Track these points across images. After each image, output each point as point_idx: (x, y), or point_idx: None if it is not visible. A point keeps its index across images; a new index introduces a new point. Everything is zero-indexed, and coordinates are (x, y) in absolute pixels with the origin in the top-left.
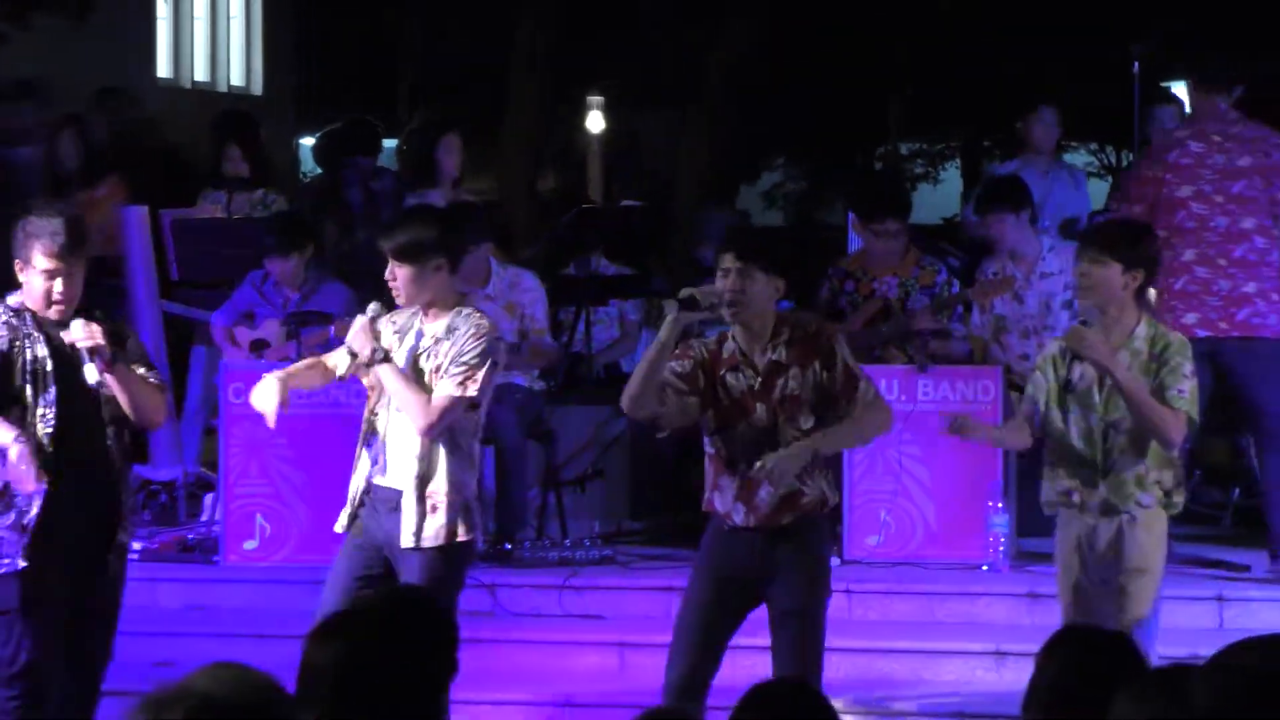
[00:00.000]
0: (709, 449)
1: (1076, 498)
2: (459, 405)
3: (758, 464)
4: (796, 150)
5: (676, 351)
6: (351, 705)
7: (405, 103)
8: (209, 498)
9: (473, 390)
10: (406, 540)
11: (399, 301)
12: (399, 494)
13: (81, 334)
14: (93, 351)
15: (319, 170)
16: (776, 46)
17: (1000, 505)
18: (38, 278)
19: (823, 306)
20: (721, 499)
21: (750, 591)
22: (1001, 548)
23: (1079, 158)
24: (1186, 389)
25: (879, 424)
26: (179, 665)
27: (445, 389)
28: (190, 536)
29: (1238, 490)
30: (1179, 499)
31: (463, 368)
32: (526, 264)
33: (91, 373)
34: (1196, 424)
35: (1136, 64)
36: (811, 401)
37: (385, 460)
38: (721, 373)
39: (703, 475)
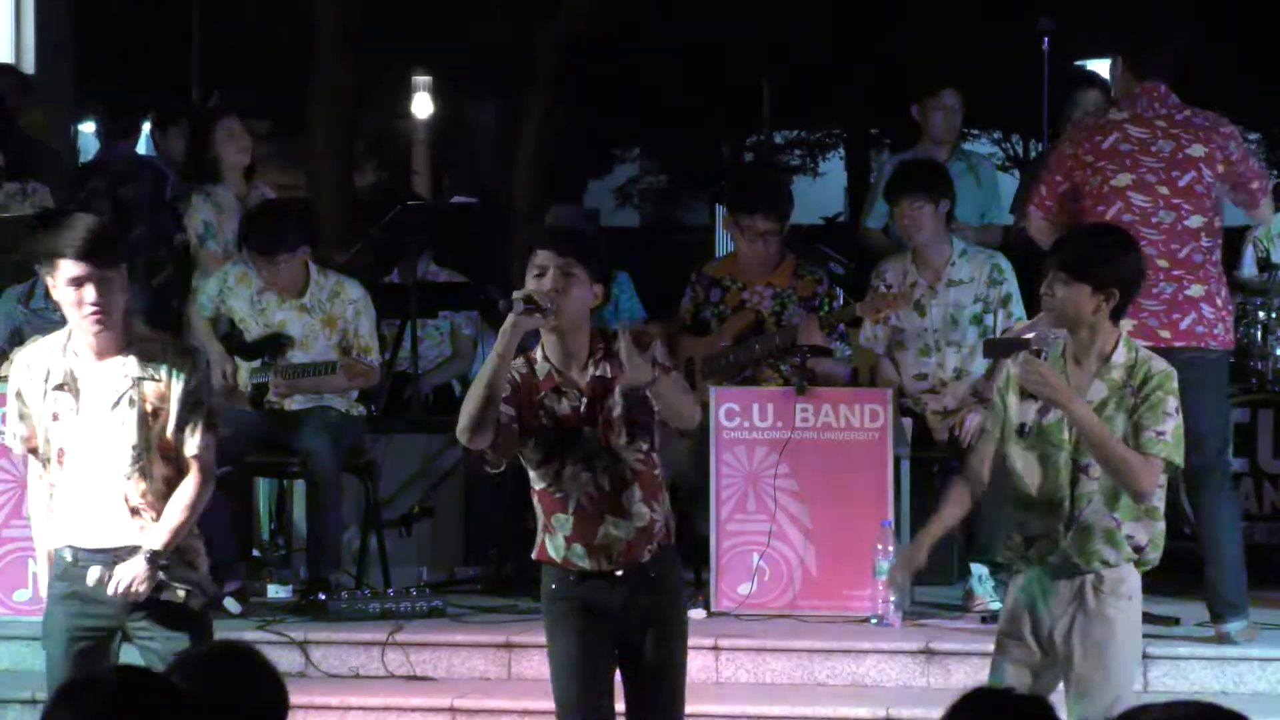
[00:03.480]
0: (536, 484)
1: (1034, 552)
2: None
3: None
4: (655, 140)
5: None
6: None
7: (200, 85)
8: None
9: None
10: None
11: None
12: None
13: None
14: None
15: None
16: (628, 21)
17: (891, 549)
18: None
19: (685, 317)
20: (554, 544)
21: (615, 640)
22: (893, 598)
23: (981, 148)
24: (1169, 431)
25: (694, 410)
26: None
27: None
28: None
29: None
30: (1154, 555)
31: None
32: (341, 270)
33: None
34: (1178, 468)
35: (1046, 41)
36: (644, 420)
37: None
38: (540, 396)
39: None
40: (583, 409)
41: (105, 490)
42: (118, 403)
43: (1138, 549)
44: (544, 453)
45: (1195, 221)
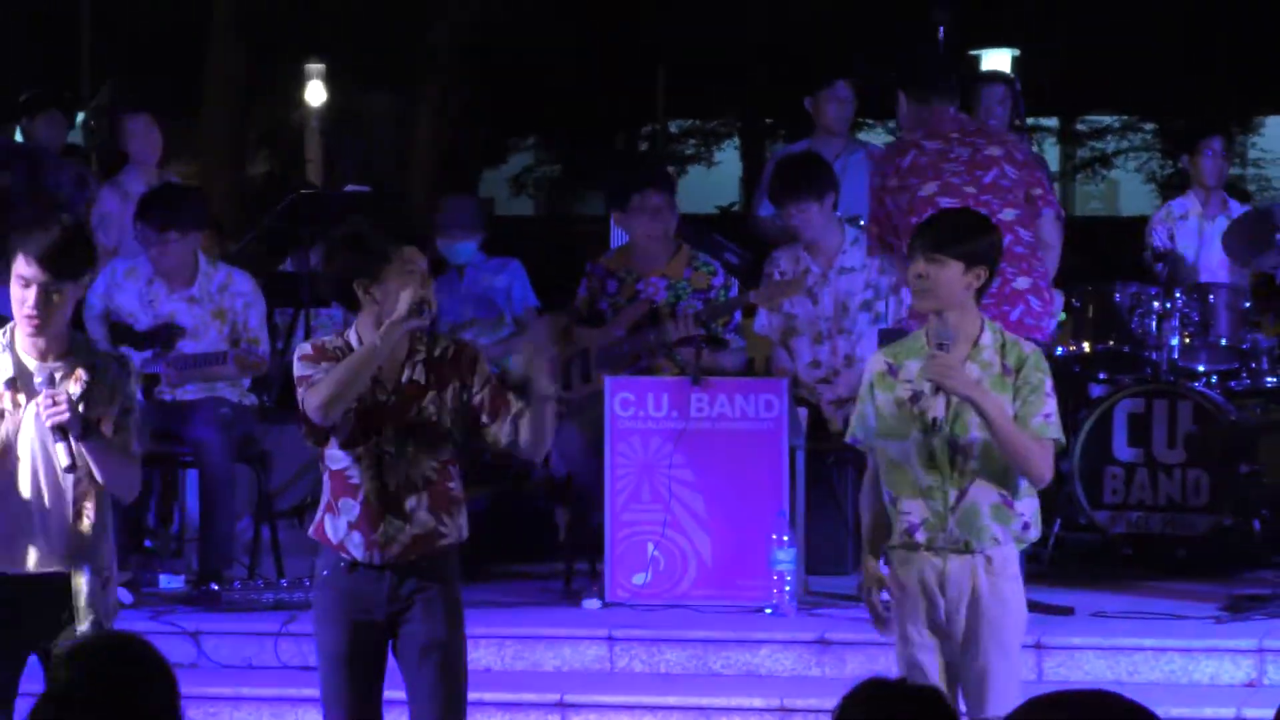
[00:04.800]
0: (330, 463)
1: (921, 536)
2: None
3: None
4: (549, 129)
5: (312, 352)
6: None
7: (89, 72)
8: None
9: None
10: None
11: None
12: None
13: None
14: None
15: None
16: (521, 10)
17: (786, 538)
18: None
19: (581, 309)
20: (334, 525)
21: (383, 631)
22: (787, 588)
23: (877, 137)
24: (1052, 411)
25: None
26: None
27: None
28: None
29: (1059, 522)
30: (1036, 531)
31: None
32: (234, 259)
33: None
34: (1064, 445)
35: (941, 31)
36: (450, 430)
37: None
38: None
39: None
40: (389, 405)
41: (47, 490)
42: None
43: (1025, 525)
44: (345, 436)
45: (1009, 214)
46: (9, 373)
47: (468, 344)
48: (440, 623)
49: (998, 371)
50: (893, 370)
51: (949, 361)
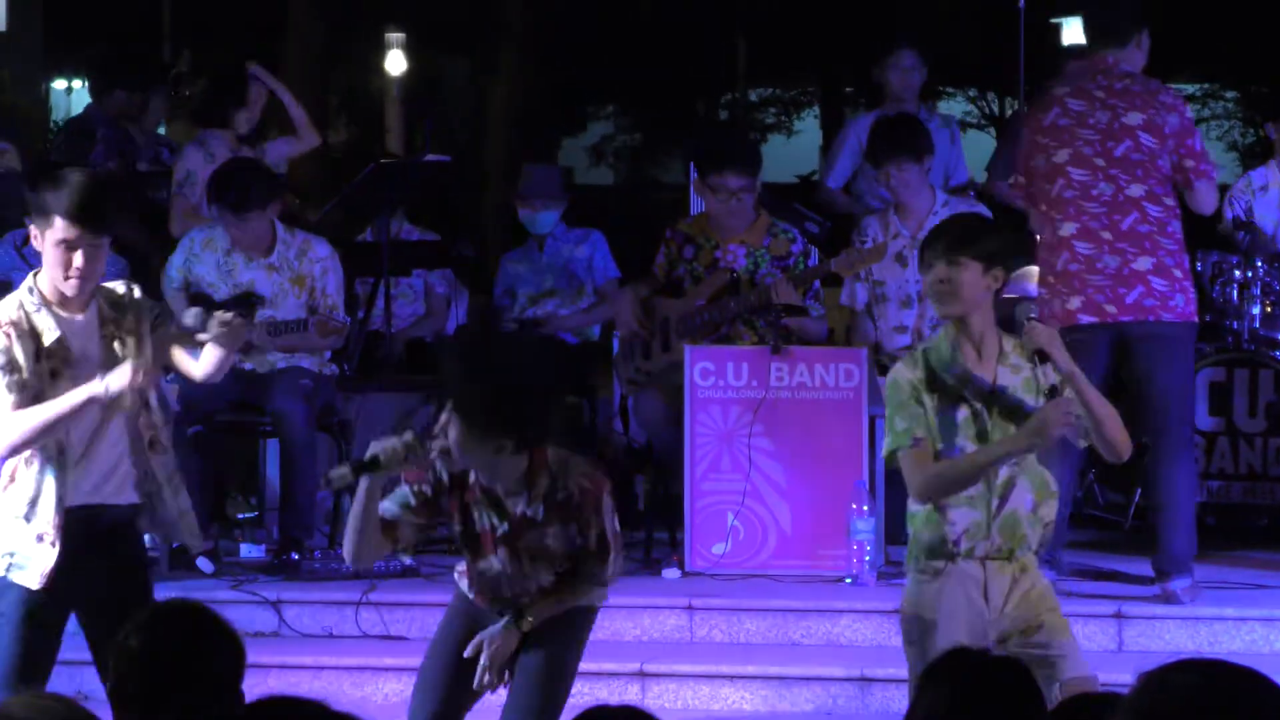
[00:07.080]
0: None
1: (963, 545)
2: None
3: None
4: (629, 98)
5: (412, 474)
6: None
7: (170, 41)
8: None
9: None
10: None
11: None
12: None
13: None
14: None
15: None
16: None
17: (866, 508)
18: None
19: (659, 274)
20: (463, 581)
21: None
22: (867, 558)
23: (956, 106)
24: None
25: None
26: None
27: None
28: None
29: (1139, 492)
30: (1051, 531)
31: None
32: (315, 229)
33: None
34: None
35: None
36: (564, 556)
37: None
38: (466, 500)
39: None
40: (498, 535)
41: (118, 432)
42: (109, 347)
43: (1045, 525)
44: (461, 542)
45: (1136, 190)
46: (55, 331)
47: (593, 490)
48: (544, 651)
49: (1027, 375)
50: (936, 379)
51: (1043, 330)
